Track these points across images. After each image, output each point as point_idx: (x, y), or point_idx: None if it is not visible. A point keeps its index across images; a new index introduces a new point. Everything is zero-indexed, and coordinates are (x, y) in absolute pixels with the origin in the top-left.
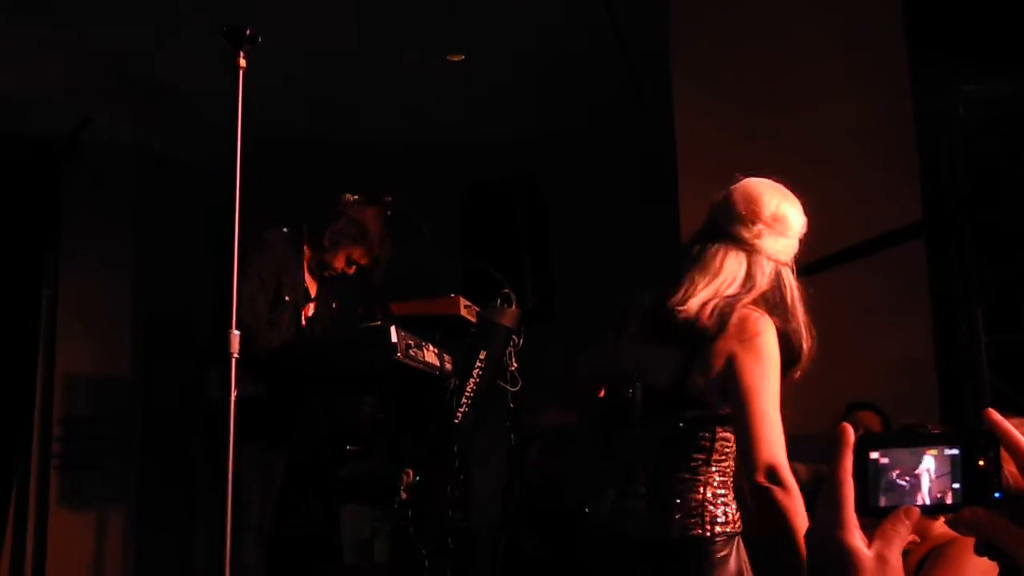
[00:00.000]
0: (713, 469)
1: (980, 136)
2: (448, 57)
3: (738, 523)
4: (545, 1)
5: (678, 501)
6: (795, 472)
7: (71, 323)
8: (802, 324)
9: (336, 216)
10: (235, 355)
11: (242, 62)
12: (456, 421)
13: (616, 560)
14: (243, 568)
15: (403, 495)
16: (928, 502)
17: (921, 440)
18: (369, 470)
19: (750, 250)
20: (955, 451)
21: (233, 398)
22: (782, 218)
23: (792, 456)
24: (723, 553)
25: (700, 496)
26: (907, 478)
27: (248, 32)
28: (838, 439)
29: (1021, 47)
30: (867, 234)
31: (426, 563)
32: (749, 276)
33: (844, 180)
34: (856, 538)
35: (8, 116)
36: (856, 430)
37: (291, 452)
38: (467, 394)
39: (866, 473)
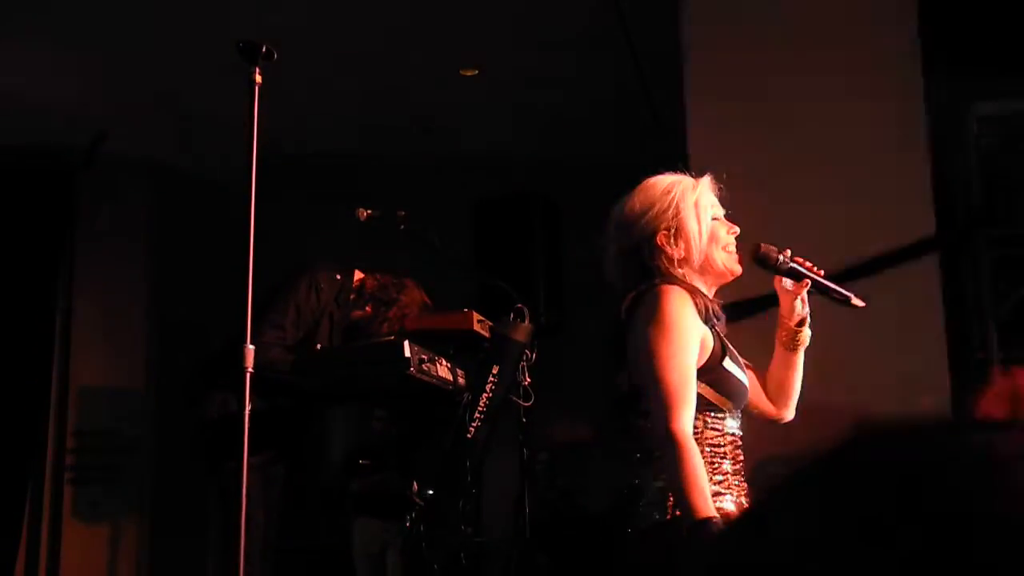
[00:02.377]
0: None
1: (994, 154)
2: (461, 72)
3: None
4: (558, 17)
5: (644, 491)
6: None
7: (86, 336)
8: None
9: (387, 302)
10: (249, 370)
11: (258, 78)
12: (469, 436)
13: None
14: None
15: (417, 505)
16: None
17: None
18: (381, 484)
19: (629, 249)
20: None
21: (247, 413)
22: (623, 222)
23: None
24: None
25: (660, 483)
26: None
27: (264, 49)
28: None
29: None
30: (880, 251)
31: None
32: (642, 268)
33: (857, 197)
34: None
35: (25, 128)
36: None
37: (303, 465)
38: (480, 409)
39: None
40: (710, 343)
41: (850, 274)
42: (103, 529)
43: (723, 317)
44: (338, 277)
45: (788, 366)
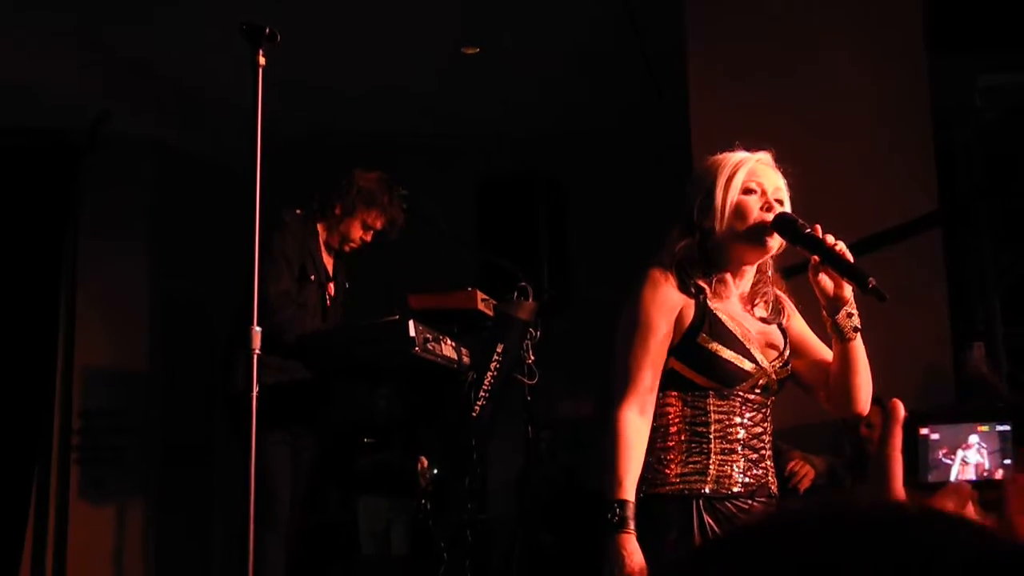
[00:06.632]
0: (657, 434)
1: (997, 127)
2: (463, 50)
3: (674, 484)
4: None
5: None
6: (811, 464)
7: (89, 316)
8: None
9: (345, 188)
10: (256, 351)
11: (261, 60)
12: (474, 414)
13: None
14: (264, 562)
15: (422, 482)
16: (978, 478)
17: (972, 416)
18: (386, 462)
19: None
20: (1007, 427)
21: (255, 393)
22: (698, 181)
23: (807, 448)
24: (656, 514)
25: (647, 459)
26: (957, 453)
27: (267, 31)
28: (889, 415)
29: None
30: (884, 225)
31: (444, 555)
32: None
33: (861, 171)
34: None
35: (28, 109)
36: (858, 426)
37: (330, 438)
38: (484, 387)
39: (916, 448)
40: (688, 318)
41: (854, 249)
42: (109, 509)
43: (771, 301)
44: (298, 212)
45: (841, 358)
